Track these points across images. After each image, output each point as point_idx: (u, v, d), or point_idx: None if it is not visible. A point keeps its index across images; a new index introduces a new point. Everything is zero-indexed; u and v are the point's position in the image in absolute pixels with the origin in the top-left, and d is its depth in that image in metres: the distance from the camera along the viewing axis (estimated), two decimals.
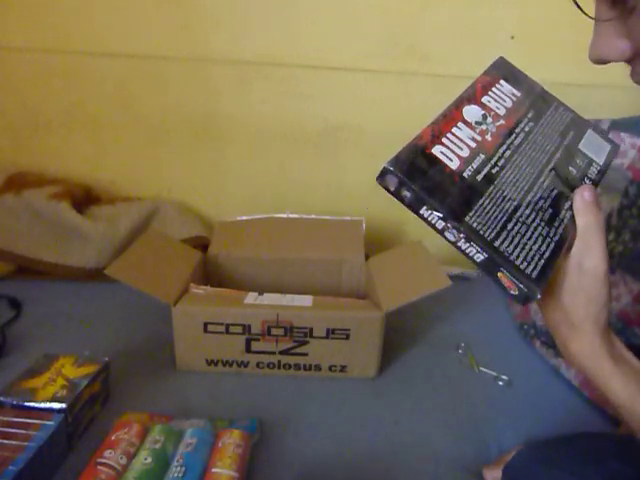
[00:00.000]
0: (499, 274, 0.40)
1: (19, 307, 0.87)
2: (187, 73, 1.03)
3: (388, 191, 0.41)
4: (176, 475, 0.53)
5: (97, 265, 0.95)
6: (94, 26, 1.00)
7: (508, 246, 0.41)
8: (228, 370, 0.76)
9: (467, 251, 0.40)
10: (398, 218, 1.11)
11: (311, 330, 0.73)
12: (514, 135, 0.47)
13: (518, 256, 0.40)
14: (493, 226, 0.41)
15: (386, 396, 0.74)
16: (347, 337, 0.74)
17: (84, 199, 1.04)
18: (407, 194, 0.41)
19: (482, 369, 0.81)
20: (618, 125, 0.77)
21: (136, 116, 1.06)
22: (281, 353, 0.75)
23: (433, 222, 0.41)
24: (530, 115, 0.50)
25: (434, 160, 0.42)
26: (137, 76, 1.03)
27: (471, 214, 0.41)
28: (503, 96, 0.50)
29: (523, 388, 0.78)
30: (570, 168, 0.48)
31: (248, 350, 0.74)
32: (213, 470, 0.54)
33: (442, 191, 0.41)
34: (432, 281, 0.75)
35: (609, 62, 0.39)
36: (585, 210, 0.43)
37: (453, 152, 0.43)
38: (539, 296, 0.40)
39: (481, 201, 0.42)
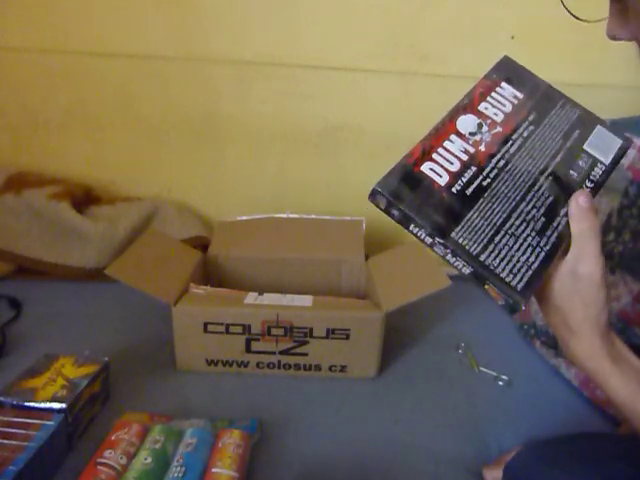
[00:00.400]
0: (486, 286, 0.41)
1: (19, 307, 0.87)
2: (187, 73, 1.03)
3: (380, 209, 0.43)
4: (176, 475, 0.53)
5: (97, 265, 0.95)
6: (94, 26, 1.00)
7: (494, 259, 0.41)
8: (228, 370, 0.76)
9: (455, 264, 0.42)
10: None
11: (311, 330, 0.73)
12: (510, 142, 0.47)
13: (504, 269, 0.41)
14: (480, 240, 0.42)
15: (386, 396, 0.74)
16: (347, 337, 0.74)
17: (84, 199, 1.04)
18: (395, 213, 0.42)
19: (482, 369, 0.81)
20: (618, 125, 0.77)
21: (136, 116, 1.06)
22: (281, 353, 0.75)
23: (422, 238, 0.42)
24: (531, 118, 0.49)
25: (422, 178, 0.43)
26: (137, 76, 1.03)
27: (457, 229, 0.42)
28: (503, 100, 0.49)
29: (523, 388, 0.78)
30: (571, 171, 0.47)
31: (248, 350, 0.74)
32: (213, 470, 0.54)
33: (429, 209, 0.42)
34: (432, 281, 0.75)
35: (621, 40, 0.41)
36: (580, 216, 0.43)
37: (443, 167, 0.44)
38: (524, 307, 0.41)
39: (469, 215, 0.42)
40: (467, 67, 0.97)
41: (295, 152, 1.07)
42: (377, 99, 1.03)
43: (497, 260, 0.41)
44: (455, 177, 0.44)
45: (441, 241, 0.41)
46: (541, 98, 0.51)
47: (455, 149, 0.45)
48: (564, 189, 0.46)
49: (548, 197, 0.45)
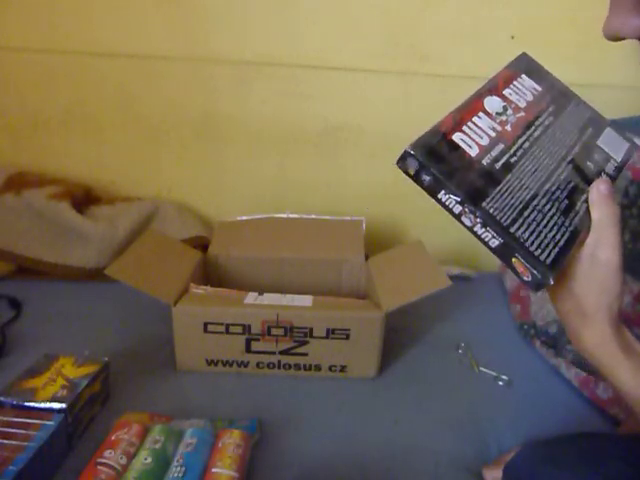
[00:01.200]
0: (513, 259, 0.41)
1: (19, 307, 0.87)
2: (187, 73, 1.03)
3: (407, 175, 0.42)
4: (176, 475, 0.53)
5: (97, 265, 0.95)
6: (94, 26, 1.00)
7: (523, 232, 0.41)
8: (228, 370, 0.76)
9: (483, 236, 0.41)
10: (398, 218, 1.11)
11: (311, 330, 0.73)
12: (533, 127, 0.48)
13: (533, 243, 0.41)
14: (509, 212, 0.42)
15: (386, 396, 0.74)
16: (347, 337, 0.73)
17: (84, 199, 1.04)
18: (426, 178, 0.41)
19: (482, 369, 0.81)
20: (618, 125, 0.77)
21: (136, 116, 1.06)
22: (281, 353, 0.75)
23: (450, 206, 0.41)
24: (550, 109, 0.51)
25: (454, 146, 0.43)
26: (137, 76, 1.03)
27: (488, 199, 0.41)
28: (524, 90, 0.51)
29: (523, 388, 0.78)
30: (588, 162, 0.48)
31: (248, 350, 0.74)
32: (213, 470, 0.54)
33: (460, 176, 0.42)
34: (432, 281, 0.75)
35: (623, 39, 0.40)
36: (600, 202, 0.44)
37: (473, 140, 0.44)
38: (552, 282, 0.40)
39: (498, 188, 0.43)
40: (467, 67, 0.97)
41: (295, 152, 1.07)
42: (377, 99, 1.03)
43: (526, 234, 0.41)
44: (485, 151, 0.44)
45: (472, 209, 0.40)
46: (558, 94, 0.53)
47: (483, 125, 0.46)
48: (583, 177, 0.47)
49: (570, 182, 0.46)
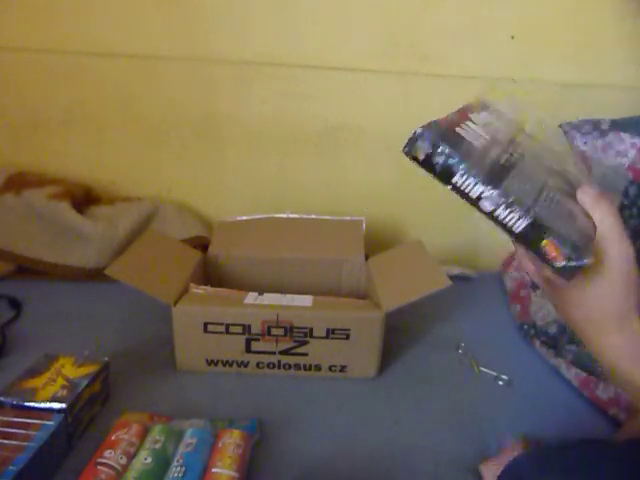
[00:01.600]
0: (544, 242, 0.37)
1: (19, 307, 0.87)
2: (187, 73, 1.03)
3: (416, 161, 0.38)
4: (176, 475, 0.53)
5: (97, 265, 0.95)
6: (94, 26, 1.00)
7: (546, 216, 0.38)
8: (228, 370, 0.76)
9: (507, 219, 0.37)
10: (398, 218, 1.11)
11: (311, 330, 0.73)
12: (519, 140, 0.47)
13: (557, 225, 0.38)
14: (527, 197, 0.38)
15: (386, 396, 0.74)
16: (347, 337, 0.73)
17: (84, 199, 1.04)
18: (440, 160, 0.37)
19: (482, 369, 0.81)
20: (618, 125, 0.77)
21: (136, 116, 1.06)
22: (281, 353, 0.75)
23: (467, 190, 0.37)
24: (523, 135, 0.50)
25: (461, 137, 0.40)
26: (137, 76, 1.03)
27: (507, 181, 0.38)
28: (496, 116, 0.50)
29: (523, 388, 0.78)
30: (569, 177, 0.48)
31: (248, 350, 0.74)
32: (213, 470, 0.54)
33: (475, 160, 0.38)
34: (432, 281, 0.75)
35: None
36: (595, 203, 0.43)
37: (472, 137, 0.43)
38: (590, 261, 0.36)
39: (510, 177, 0.39)
40: (467, 67, 0.97)
41: (295, 152, 1.07)
42: (377, 99, 1.03)
43: (549, 217, 0.38)
44: (484, 149, 0.42)
45: (493, 190, 0.37)
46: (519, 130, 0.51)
47: (477, 129, 0.43)
48: (571, 187, 0.46)
49: (564, 187, 0.45)
